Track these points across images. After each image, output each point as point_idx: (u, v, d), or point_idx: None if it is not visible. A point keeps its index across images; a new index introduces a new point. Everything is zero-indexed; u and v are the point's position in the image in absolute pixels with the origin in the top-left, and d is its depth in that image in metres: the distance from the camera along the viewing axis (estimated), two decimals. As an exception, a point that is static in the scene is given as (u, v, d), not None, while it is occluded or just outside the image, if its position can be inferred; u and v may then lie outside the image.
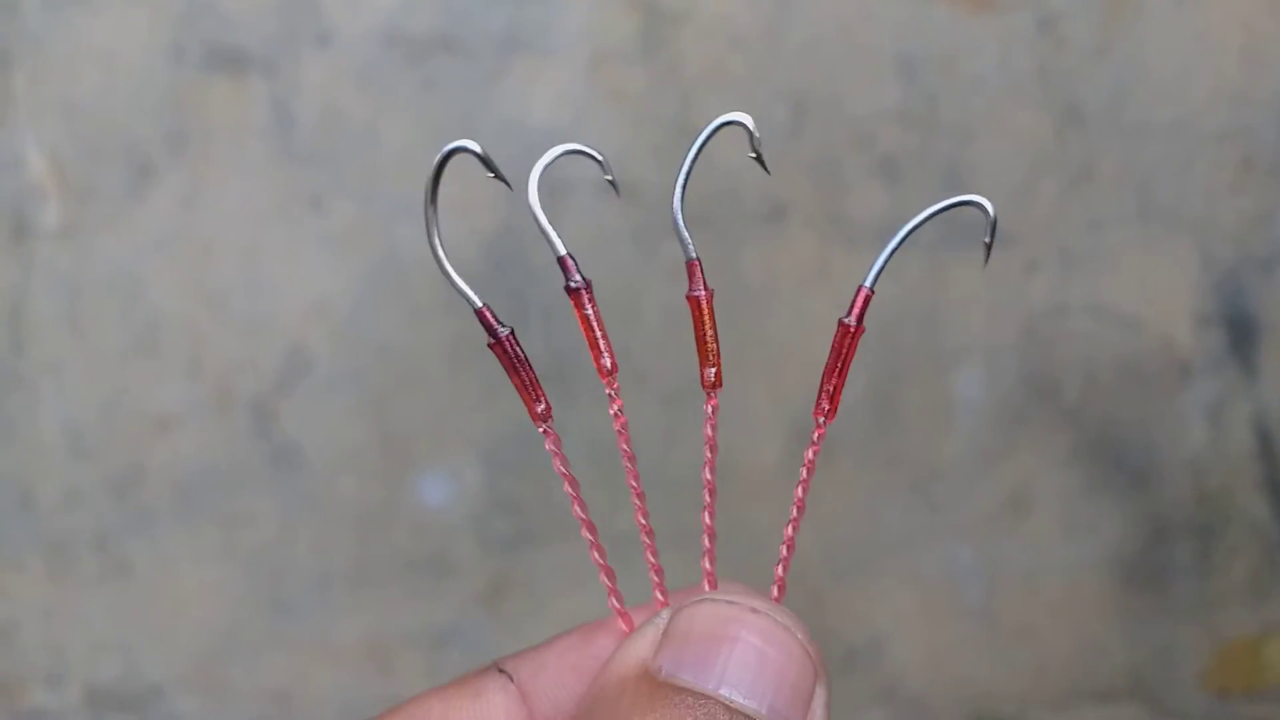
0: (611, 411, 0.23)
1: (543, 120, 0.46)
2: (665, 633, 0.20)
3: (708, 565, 0.23)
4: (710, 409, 0.23)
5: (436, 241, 0.22)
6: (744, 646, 0.20)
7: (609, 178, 0.23)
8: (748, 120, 0.22)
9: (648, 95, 0.46)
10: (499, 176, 0.22)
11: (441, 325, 0.46)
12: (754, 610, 0.20)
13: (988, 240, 0.23)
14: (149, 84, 0.45)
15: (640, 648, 0.20)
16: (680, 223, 0.23)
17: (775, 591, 0.23)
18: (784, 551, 0.23)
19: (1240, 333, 0.49)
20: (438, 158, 0.22)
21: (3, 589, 0.46)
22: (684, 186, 0.23)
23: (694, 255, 0.23)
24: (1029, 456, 0.49)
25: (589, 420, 0.45)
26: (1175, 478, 0.49)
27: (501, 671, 0.23)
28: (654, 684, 0.20)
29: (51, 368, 0.46)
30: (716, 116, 0.23)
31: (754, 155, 0.23)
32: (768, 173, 0.23)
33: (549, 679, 0.23)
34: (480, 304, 0.23)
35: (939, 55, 0.47)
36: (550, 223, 0.23)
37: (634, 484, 0.23)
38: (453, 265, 0.23)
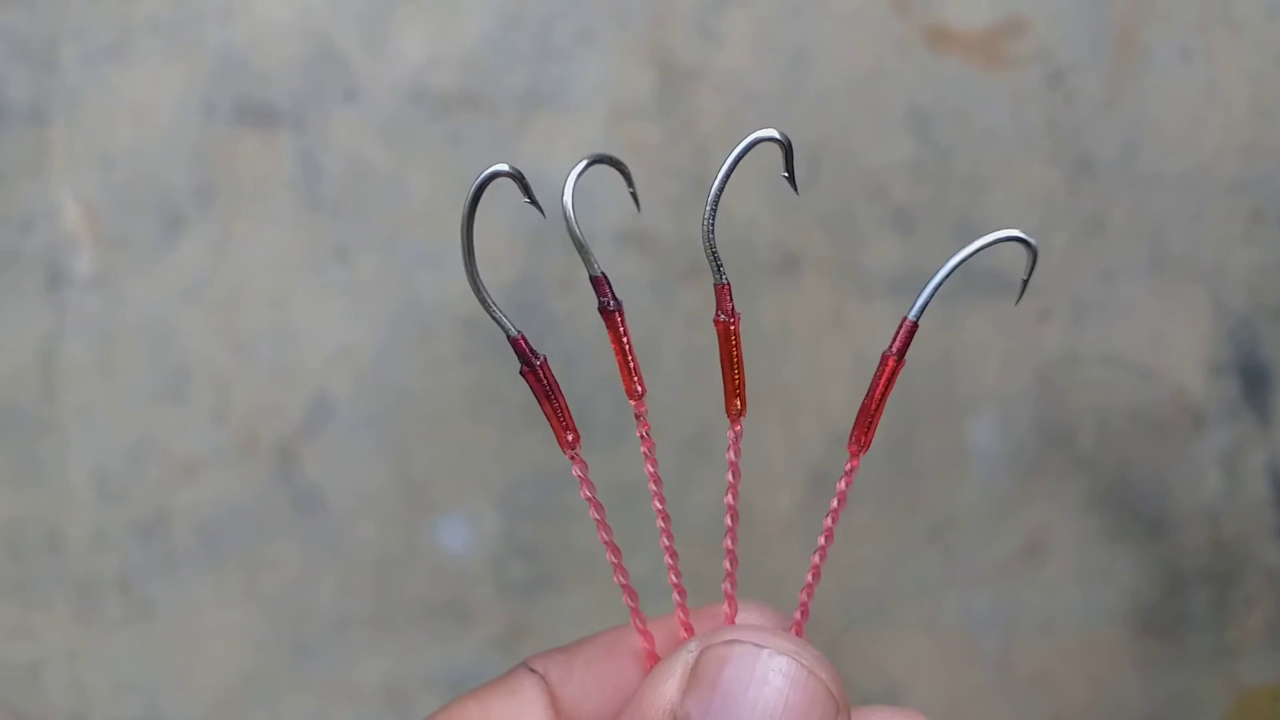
0: (639, 434, 0.23)
1: (563, 173, 0.47)
2: (693, 674, 0.21)
3: (728, 588, 0.24)
4: (733, 435, 0.23)
5: (475, 269, 0.23)
6: (770, 692, 0.20)
7: (632, 190, 0.23)
8: (781, 136, 0.22)
9: (664, 148, 0.47)
10: (533, 202, 0.23)
11: (461, 373, 0.47)
12: (781, 654, 0.21)
13: (1025, 277, 0.23)
14: (181, 138, 0.47)
15: (669, 690, 0.21)
16: (712, 244, 0.23)
17: (799, 615, 0.24)
18: (809, 578, 0.24)
19: (1254, 381, 0.49)
20: (476, 181, 0.22)
21: (29, 629, 0.47)
22: (715, 206, 0.23)
23: (723, 280, 0.23)
24: (1044, 504, 0.49)
25: (607, 466, 0.46)
26: (1191, 526, 0.49)
27: (532, 670, 0.24)
28: None
29: (82, 413, 0.47)
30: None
31: (786, 175, 0.23)
32: (796, 193, 0.23)
33: (575, 685, 0.24)
34: (516, 333, 0.23)
35: (951, 109, 0.48)
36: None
37: (659, 506, 0.24)
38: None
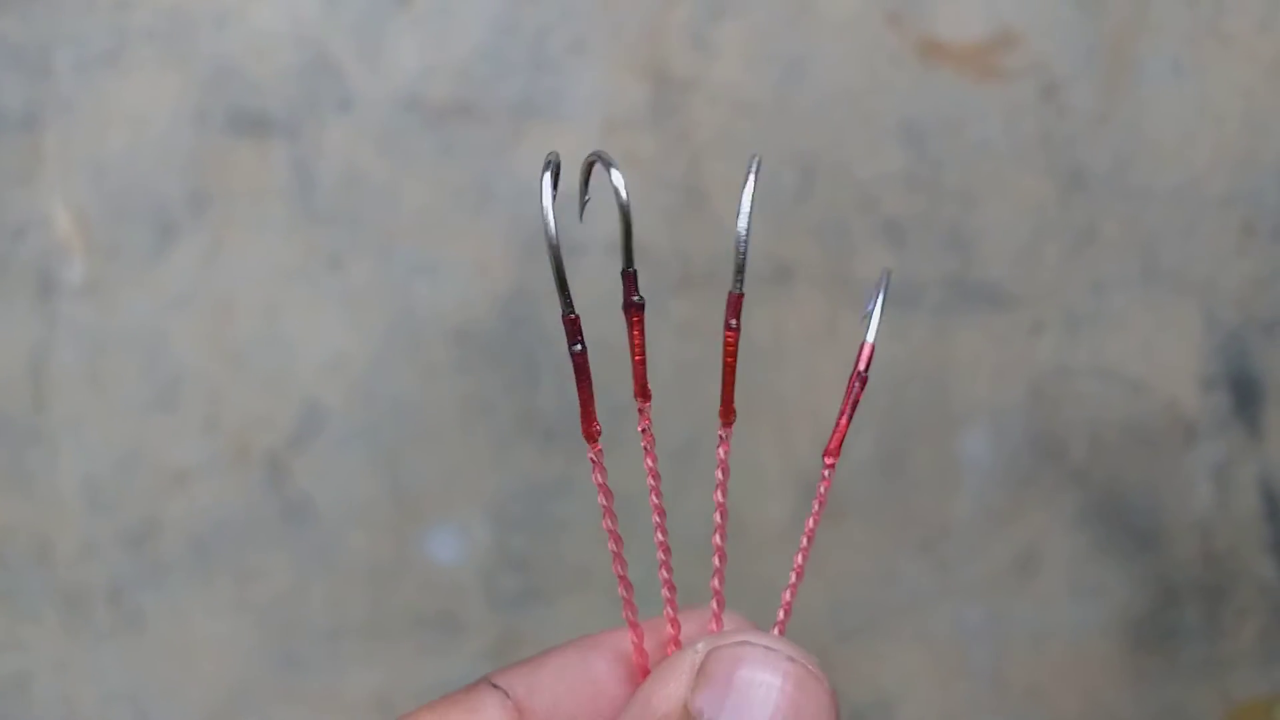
0: (640, 428, 0.24)
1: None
2: (702, 672, 0.21)
3: (717, 584, 0.24)
4: (723, 434, 0.24)
5: (555, 235, 0.23)
6: (780, 695, 0.21)
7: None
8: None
9: (658, 159, 0.47)
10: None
11: (454, 383, 0.47)
12: (790, 659, 0.21)
13: (870, 309, 0.25)
14: (174, 146, 0.47)
15: (679, 688, 0.21)
16: (743, 249, 0.24)
17: (782, 614, 0.24)
18: (793, 578, 0.24)
19: (1245, 395, 0.49)
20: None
21: (18, 640, 0.47)
22: (748, 227, 0.23)
23: (738, 289, 0.24)
24: (1036, 517, 0.49)
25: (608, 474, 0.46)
26: (1182, 539, 0.49)
27: (495, 687, 0.23)
28: None
29: (72, 422, 0.47)
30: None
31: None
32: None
33: (545, 698, 0.24)
34: (575, 313, 0.24)
35: (944, 121, 0.48)
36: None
37: (656, 501, 0.24)
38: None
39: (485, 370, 0.47)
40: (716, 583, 0.24)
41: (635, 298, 0.24)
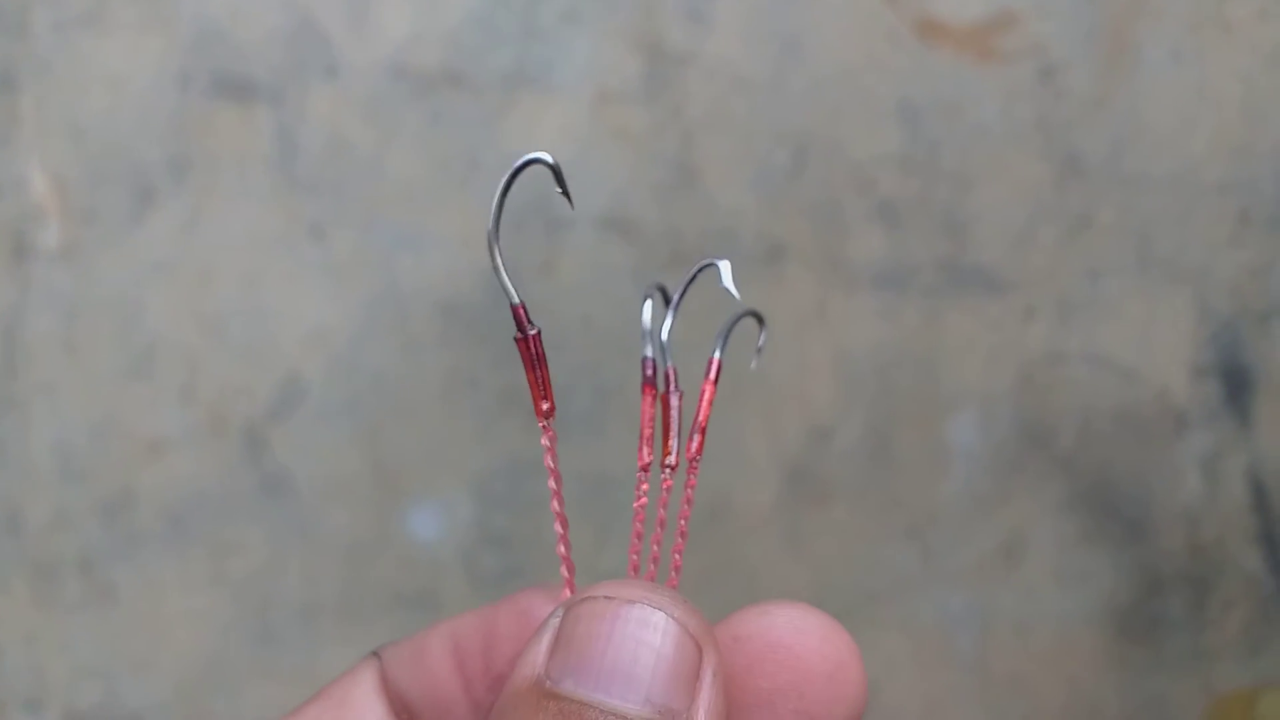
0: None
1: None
2: (558, 638, 0.21)
3: (563, 550, 0.24)
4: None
5: (495, 241, 0.23)
6: (618, 642, 0.20)
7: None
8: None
9: (650, 134, 0.47)
10: (565, 193, 0.23)
11: (437, 358, 0.46)
12: (629, 601, 0.20)
13: (727, 286, 0.26)
14: (155, 109, 0.46)
15: (537, 657, 0.20)
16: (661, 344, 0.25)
17: (652, 567, 0.24)
18: (656, 501, 0.25)
19: (1236, 385, 0.49)
20: (514, 166, 0.23)
21: (-14, 611, 0.46)
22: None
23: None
24: (1023, 504, 0.49)
25: (583, 457, 0.45)
26: (1170, 529, 0.49)
27: (374, 655, 0.25)
28: (540, 693, 0.20)
29: (45, 389, 0.46)
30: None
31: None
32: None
33: (402, 667, 0.25)
34: (519, 300, 0.24)
35: (941, 103, 0.47)
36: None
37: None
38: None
39: (469, 345, 0.46)
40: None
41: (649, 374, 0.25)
